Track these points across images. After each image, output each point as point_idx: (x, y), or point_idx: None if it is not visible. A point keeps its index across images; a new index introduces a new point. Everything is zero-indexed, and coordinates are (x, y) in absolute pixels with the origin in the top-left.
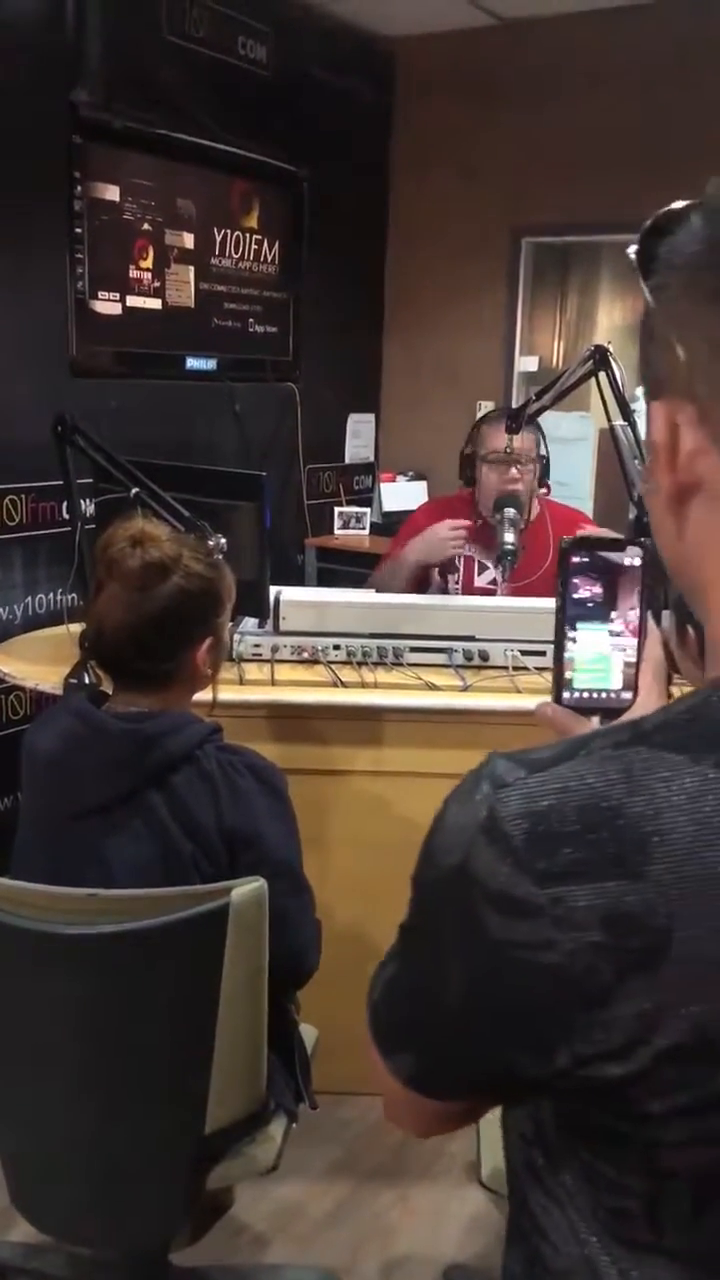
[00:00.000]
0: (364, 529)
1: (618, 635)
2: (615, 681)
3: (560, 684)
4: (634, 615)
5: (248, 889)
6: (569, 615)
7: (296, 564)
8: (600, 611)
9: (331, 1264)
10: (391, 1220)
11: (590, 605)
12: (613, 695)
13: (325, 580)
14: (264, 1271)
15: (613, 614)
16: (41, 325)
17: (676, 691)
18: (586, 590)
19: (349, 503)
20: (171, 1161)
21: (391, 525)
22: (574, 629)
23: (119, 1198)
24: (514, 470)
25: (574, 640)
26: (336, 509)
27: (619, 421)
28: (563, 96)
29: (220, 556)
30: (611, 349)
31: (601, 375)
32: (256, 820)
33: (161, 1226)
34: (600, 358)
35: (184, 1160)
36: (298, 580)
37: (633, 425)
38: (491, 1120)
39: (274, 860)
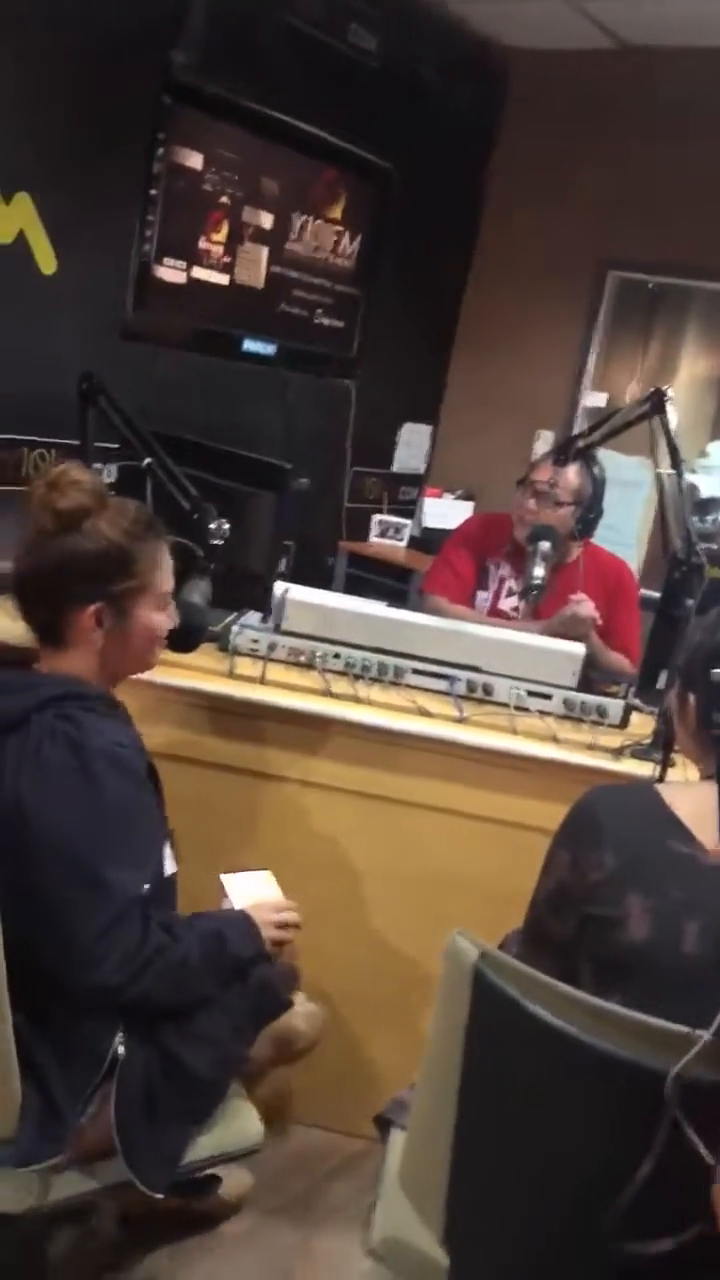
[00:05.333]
0: (401, 540)
1: None
2: None
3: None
4: None
5: None
6: None
7: (327, 566)
8: None
9: None
10: (289, 1266)
11: None
12: None
13: (353, 587)
14: None
15: None
16: (100, 283)
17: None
18: None
19: (390, 512)
20: None
21: (431, 542)
22: None
23: None
24: (531, 503)
25: None
26: (376, 516)
27: (667, 470)
28: (674, 131)
29: (221, 541)
30: (671, 395)
31: (656, 420)
32: (45, 796)
33: None
34: (657, 401)
35: None
36: (325, 583)
37: (680, 475)
38: (392, 1186)
39: (53, 844)
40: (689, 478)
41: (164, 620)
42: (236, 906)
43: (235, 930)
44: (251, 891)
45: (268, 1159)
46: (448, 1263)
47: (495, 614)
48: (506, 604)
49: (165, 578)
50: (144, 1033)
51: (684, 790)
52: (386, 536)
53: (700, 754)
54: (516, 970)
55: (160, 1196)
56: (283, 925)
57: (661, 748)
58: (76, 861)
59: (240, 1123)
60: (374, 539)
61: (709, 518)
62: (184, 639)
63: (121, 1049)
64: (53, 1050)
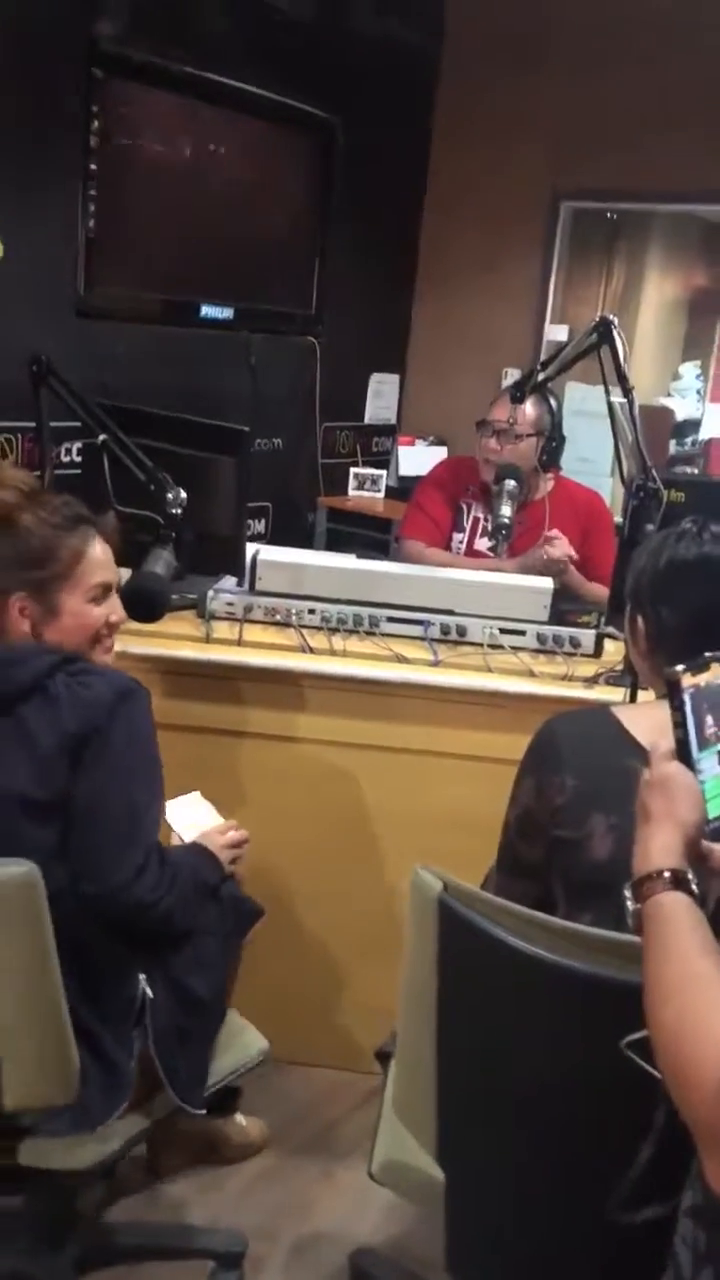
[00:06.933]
0: (379, 492)
1: None
2: None
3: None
4: None
5: (8, 873)
6: (693, 744)
7: (307, 524)
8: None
9: (246, 1233)
10: (313, 1196)
11: (712, 729)
12: None
13: (334, 542)
14: (172, 1231)
15: None
16: (49, 263)
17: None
18: (705, 715)
19: (365, 464)
20: None
21: (407, 491)
22: (700, 757)
23: None
24: (492, 442)
25: (701, 770)
26: (352, 470)
27: (617, 398)
28: (620, 54)
29: (179, 510)
30: (616, 322)
31: (605, 349)
32: (103, 717)
33: None
34: (604, 330)
35: None
36: (306, 541)
37: (631, 403)
38: (389, 1113)
39: (113, 760)
40: (663, 401)
41: (98, 612)
42: (184, 837)
43: (199, 859)
44: (193, 819)
45: (287, 1100)
46: (444, 1178)
47: (472, 554)
48: (482, 544)
49: (93, 570)
50: (159, 970)
51: (639, 710)
52: (364, 489)
53: (651, 675)
54: (478, 898)
55: (202, 1113)
56: (232, 845)
57: (630, 672)
58: (130, 778)
59: (244, 1037)
60: (352, 492)
61: (686, 440)
62: (145, 608)
63: (148, 990)
64: (93, 1007)
